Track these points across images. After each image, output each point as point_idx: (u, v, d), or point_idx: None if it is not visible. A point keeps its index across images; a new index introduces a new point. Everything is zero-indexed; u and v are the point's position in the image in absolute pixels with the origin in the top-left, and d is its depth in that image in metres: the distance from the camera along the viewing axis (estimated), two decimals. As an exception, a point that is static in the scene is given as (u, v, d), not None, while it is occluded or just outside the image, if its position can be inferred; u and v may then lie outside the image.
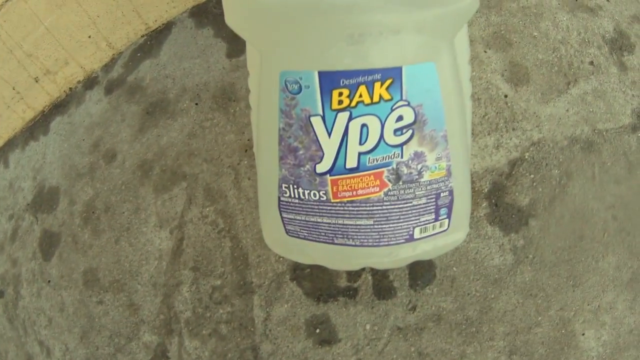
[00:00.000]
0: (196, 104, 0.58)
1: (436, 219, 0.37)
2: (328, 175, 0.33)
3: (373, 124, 0.32)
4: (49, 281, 0.64)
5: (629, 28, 0.55)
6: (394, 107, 0.32)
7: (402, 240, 0.37)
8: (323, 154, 0.33)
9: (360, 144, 0.32)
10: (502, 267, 0.49)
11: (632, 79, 0.53)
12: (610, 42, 0.56)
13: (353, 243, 0.36)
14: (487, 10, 0.55)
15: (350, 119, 0.31)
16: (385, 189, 0.34)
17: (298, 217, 0.36)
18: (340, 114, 0.31)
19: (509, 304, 0.48)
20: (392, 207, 0.35)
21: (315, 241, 0.37)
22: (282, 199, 0.36)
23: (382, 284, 0.47)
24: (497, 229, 0.49)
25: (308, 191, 0.34)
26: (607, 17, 0.57)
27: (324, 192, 0.34)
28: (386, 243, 0.36)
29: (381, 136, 0.32)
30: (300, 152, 0.33)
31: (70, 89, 0.68)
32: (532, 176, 0.51)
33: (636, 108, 0.52)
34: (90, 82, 0.67)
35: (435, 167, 0.35)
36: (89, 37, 0.64)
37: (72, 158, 0.65)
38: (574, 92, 0.54)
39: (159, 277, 0.54)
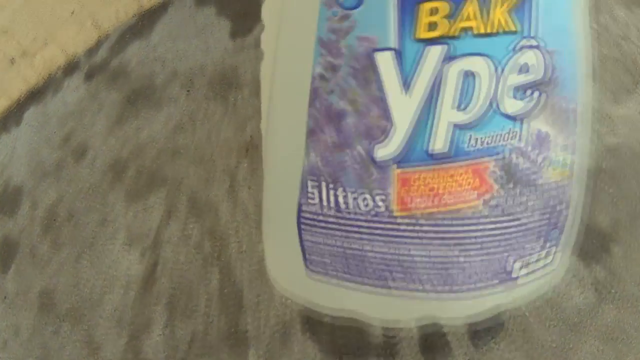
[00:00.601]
0: (188, 91, 0.42)
1: (543, 248, 0.20)
2: (395, 166, 0.16)
3: (484, 71, 0.15)
4: (5, 297, 0.47)
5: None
6: (517, 46, 0.15)
7: (496, 281, 0.19)
8: (391, 126, 0.15)
9: (459, 108, 0.15)
10: (582, 308, 0.33)
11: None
12: (666, 41, 0.44)
13: (421, 287, 0.18)
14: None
15: (448, 58, 0.14)
16: (487, 196, 0.17)
17: (330, 241, 0.18)
18: (431, 49, 0.14)
19: (588, 354, 0.32)
20: (492, 227, 0.18)
21: (356, 282, 0.19)
22: (304, 208, 0.18)
23: (433, 338, 0.29)
24: (576, 259, 0.33)
25: (354, 194, 0.16)
26: (661, 14, 0.45)
27: (383, 196, 0.16)
28: (473, 287, 0.19)
29: (494, 96, 0.15)
30: (349, 119, 0.15)
31: (49, 75, 0.52)
32: (611, 190, 0.36)
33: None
34: (71, 68, 0.51)
35: (559, 162, 0.18)
36: (72, 12, 0.47)
37: (41, 153, 0.48)
38: (642, 92, 0.40)
39: (124, 311, 0.37)
